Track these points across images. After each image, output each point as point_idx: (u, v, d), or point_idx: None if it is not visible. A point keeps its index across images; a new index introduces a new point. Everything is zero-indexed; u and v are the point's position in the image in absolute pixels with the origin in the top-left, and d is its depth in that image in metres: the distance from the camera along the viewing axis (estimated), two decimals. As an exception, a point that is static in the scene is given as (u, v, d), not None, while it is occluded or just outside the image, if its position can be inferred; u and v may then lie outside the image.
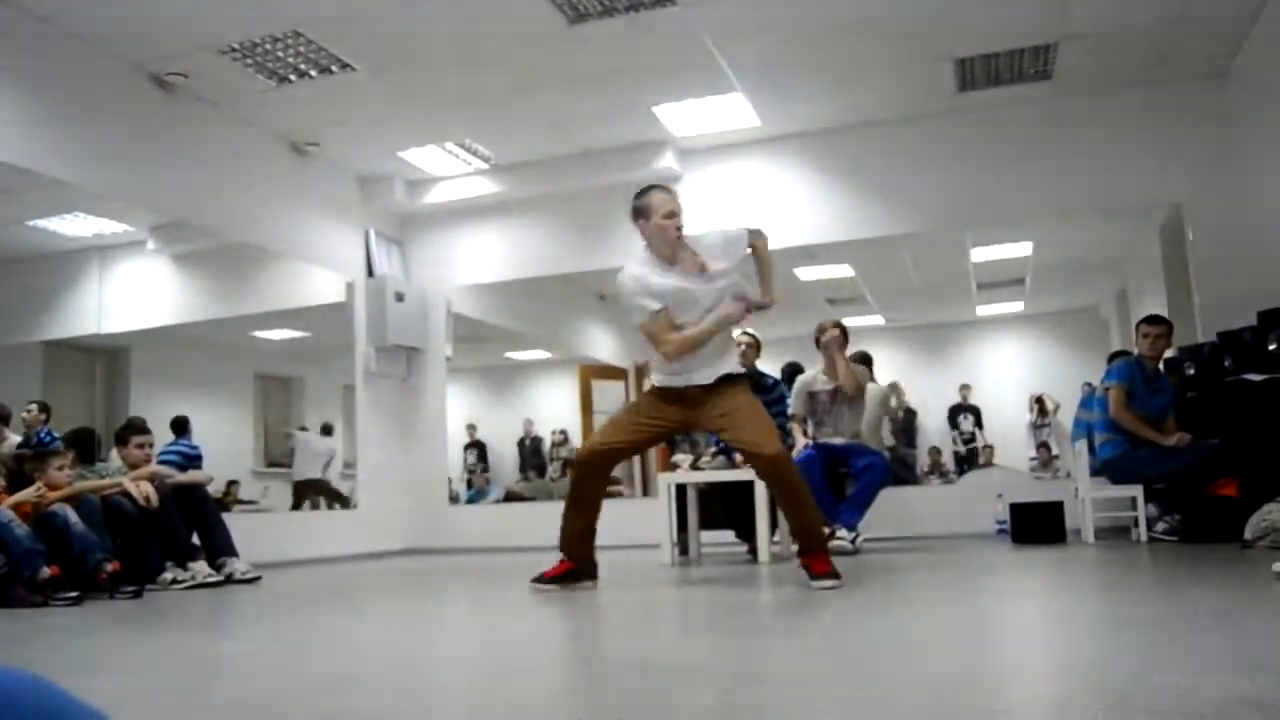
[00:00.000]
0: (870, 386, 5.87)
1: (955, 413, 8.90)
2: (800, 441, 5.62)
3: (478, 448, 9.12)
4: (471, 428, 9.01)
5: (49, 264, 6.13)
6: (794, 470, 3.71)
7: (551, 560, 3.89)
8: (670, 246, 3.62)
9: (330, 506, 7.61)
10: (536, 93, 6.42)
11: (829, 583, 3.43)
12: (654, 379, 3.84)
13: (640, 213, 3.64)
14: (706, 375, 3.71)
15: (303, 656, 2.52)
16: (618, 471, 7.77)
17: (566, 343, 9.69)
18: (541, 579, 3.83)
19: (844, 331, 5.69)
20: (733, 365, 3.80)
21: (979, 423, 8.83)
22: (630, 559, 3.97)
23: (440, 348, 8.07)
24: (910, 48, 6.01)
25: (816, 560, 3.53)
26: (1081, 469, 5.53)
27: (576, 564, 3.84)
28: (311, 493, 7.61)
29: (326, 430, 7.80)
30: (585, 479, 3.84)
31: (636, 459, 7.89)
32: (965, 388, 8.94)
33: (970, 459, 8.74)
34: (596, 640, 2.76)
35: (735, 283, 3.71)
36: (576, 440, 8.98)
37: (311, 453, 7.69)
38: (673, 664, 2.16)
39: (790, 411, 5.68)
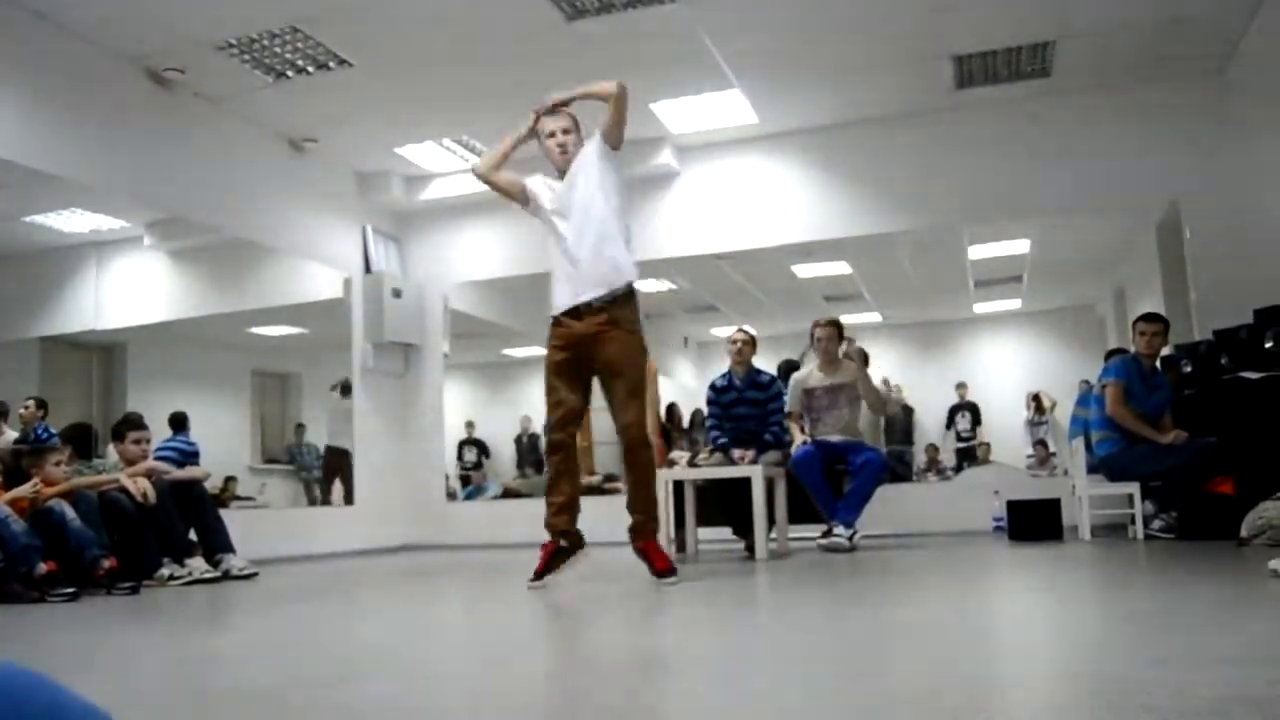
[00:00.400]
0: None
1: (952, 413, 8.91)
2: (798, 439, 5.61)
3: (477, 445, 9.09)
4: (470, 425, 8.99)
5: (46, 260, 6.12)
6: (651, 457, 3.92)
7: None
8: (556, 164, 3.99)
9: (342, 484, 7.49)
10: (534, 89, 6.37)
11: (671, 579, 3.67)
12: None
13: (538, 139, 4.02)
14: (582, 289, 3.87)
15: (300, 652, 2.52)
16: (616, 469, 7.81)
17: (564, 340, 9.64)
18: (536, 577, 3.82)
19: (839, 329, 5.69)
20: (623, 275, 3.84)
21: (977, 420, 8.84)
22: (627, 555, 3.96)
23: (437, 344, 8.07)
24: (908, 45, 6.01)
25: (657, 552, 3.77)
26: (1078, 466, 5.54)
27: (562, 540, 3.85)
28: (339, 468, 7.47)
29: (345, 390, 7.65)
30: (558, 460, 4.01)
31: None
32: (961, 386, 8.94)
33: (968, 456, 8.75)
34: (594, 637, 2.76)
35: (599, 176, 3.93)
36: (576, 439, 8.95)
37: (339, 414, 7.59)
38: (671, 661, 2.17)
39: (786, 409, 5.67)
